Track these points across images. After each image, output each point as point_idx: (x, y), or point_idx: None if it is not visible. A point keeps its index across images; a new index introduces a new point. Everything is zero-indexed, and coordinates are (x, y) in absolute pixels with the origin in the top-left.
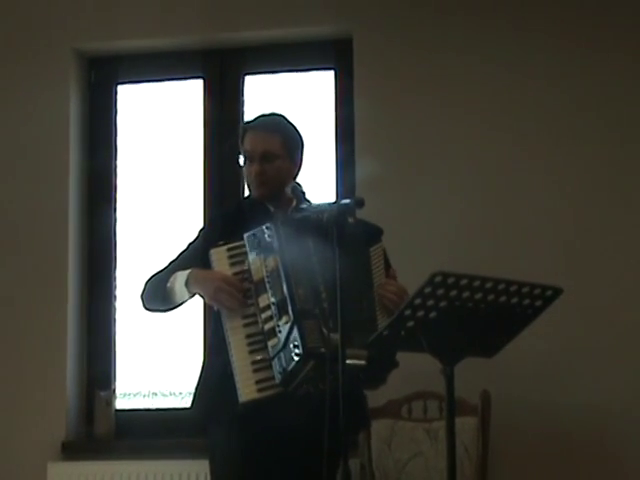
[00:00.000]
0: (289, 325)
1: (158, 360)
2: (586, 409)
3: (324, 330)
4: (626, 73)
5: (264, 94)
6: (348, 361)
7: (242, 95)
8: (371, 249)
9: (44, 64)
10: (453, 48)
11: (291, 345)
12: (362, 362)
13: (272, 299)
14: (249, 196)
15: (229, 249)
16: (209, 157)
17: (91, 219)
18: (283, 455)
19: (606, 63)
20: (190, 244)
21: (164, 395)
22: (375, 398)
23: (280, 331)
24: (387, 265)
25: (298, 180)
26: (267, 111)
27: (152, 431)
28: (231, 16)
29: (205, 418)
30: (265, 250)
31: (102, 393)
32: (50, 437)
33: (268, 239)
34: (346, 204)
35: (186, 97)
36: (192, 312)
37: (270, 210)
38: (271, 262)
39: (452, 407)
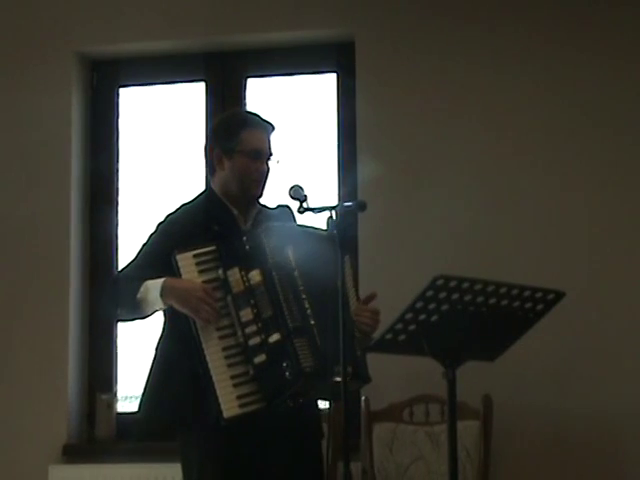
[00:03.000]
0: (280, 343)
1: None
2: (588, 413)
3: (315, 345)
4: (631, 74)
5: (266, 97)
6: (337, 379)
7: (244, 98)
8: (344, 259)
9: (46, 67)
10: (454, 51)
11: (284, 364)
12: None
13: (259, 314)
14: (210, 194)
15: (196, 255)
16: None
17: (93, 222)
18: (261, 466)
19: (608, 64)
20: (144, 246)
21: None
22: (377, 401)
23: (269, 348)
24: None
25: (300, 182)
26: (250, 110)
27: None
28: (233, 19)
29: (174, 424)
30: (245, 261)
31: (103, 396)
32: (51, 440)
33: (248, 250)
34: (348, 207)
35: (188, 100)
36: None
37: (233, 212)
38: (255, 275)
39: (454, 411)
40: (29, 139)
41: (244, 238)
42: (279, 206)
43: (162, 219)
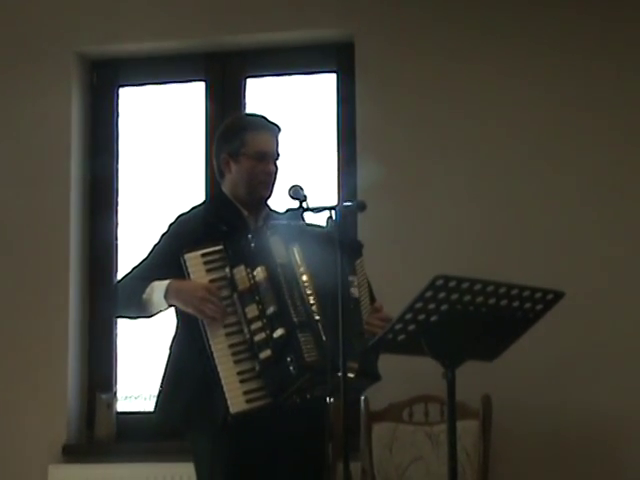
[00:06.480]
0: (284, 338)
1: (159, 363)
2: (587, 413)
3: (319, 340)
4: (632, 75)
5: (266, 97)
6: (339, 374)
7: (244, 98)
8: (356, 262)
9: (46, 67)
10: (454, 51)
11: (288, 358)
12: (350, 375)
13: (263, 311)
14: (221, 197)
15: (204, 254)
16: (211, 160)
17: (93, 222)
18: (270, 463)
19: (609, 66)
20: (156, 246)
21: None
22: (376, 402)
23: (274, 343)
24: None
25: (300, 182)
26: (256, 112)
27: (153, 434)
28: (233, 19)
29: (186, 425)
30: (250, 259)
31: (103, 396)
32: (51, 440)
33: (254, 248)
34: (348, 207)
35: (188, 100)
36: None
37: (243, 213)
38: (260, 272)
39: (453, 411)
40: (29, 139)
41: (249, 236)
42: (289, 210)
43: (173, 220)
